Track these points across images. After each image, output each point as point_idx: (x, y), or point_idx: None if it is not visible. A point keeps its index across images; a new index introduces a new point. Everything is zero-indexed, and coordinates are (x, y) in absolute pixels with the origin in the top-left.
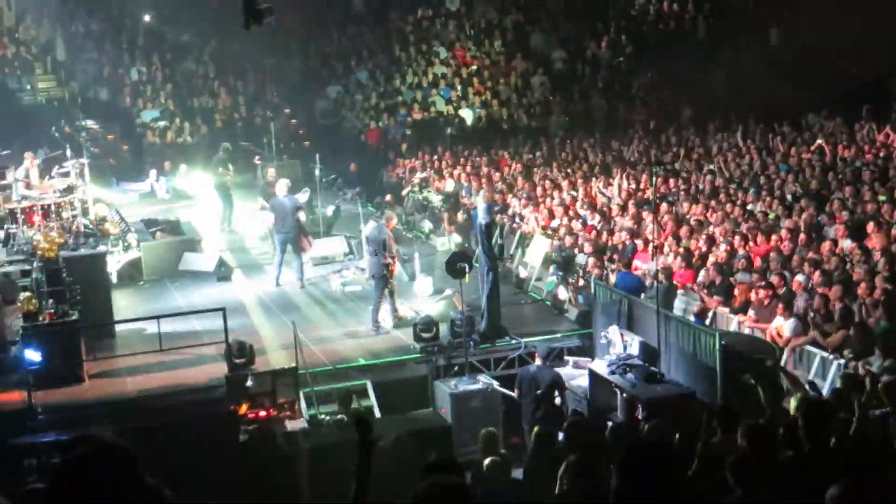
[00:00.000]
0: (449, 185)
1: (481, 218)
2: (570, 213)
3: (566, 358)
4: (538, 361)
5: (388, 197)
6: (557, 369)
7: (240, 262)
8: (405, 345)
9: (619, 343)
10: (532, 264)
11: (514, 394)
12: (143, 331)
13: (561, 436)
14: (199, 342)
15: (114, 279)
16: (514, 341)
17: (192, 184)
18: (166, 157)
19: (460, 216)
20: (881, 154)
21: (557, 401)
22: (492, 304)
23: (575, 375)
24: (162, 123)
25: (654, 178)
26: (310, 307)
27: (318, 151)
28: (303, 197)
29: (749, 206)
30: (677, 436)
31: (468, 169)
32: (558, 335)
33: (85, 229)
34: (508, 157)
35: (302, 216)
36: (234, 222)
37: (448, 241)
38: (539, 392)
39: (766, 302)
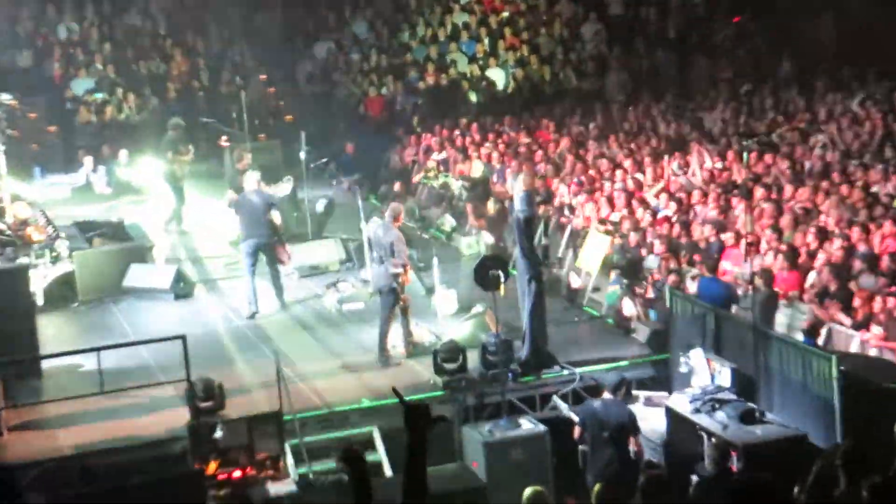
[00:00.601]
0: (476, 169)
1: (519, 211)
2: (636, 201)
3: (635, 393)
4: (606, 395)
5: (396, 186)
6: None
7: (204, 276)
8: (423, 380)
9: (704, 371)
10: (587, 270)
11: (576, 433)
12: (79, 368)
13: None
14: (153, 381)
15: (39, 301)
16: (565, 372)
17: (140, 173)
18: (106, 139)
19: (491, 208)
20: None
21: (631, 448)
22: (535, 324)
23: (647, 416)
24: (99, 96)
25: (744, 155)
26: (297, 332)
27: (303, 128)
28: (283, 189)
29: (872, 188)
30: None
31: (500, 147)
32: (623, 363)
33: (1, 237)
34: (553, 130)
35: (276, 217)
36: (187, 222)
37: (476, 242)
38: (606, 436)
39: None
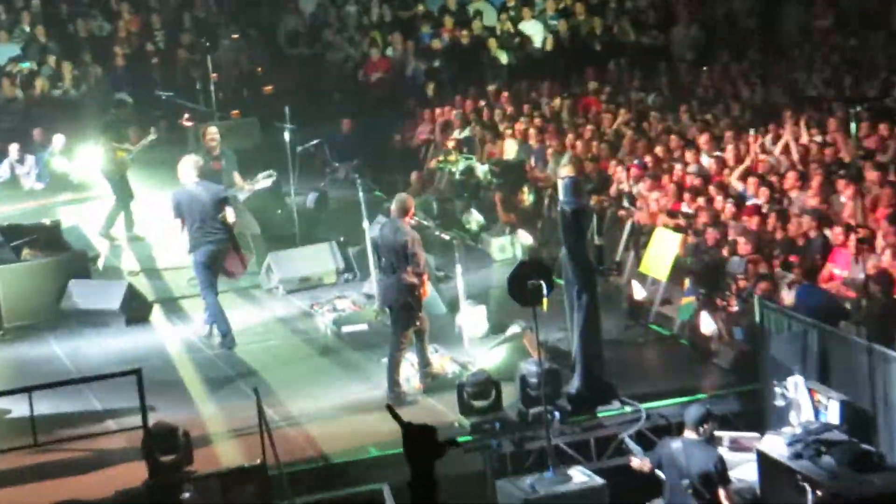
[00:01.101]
0: (508, 150)
1: (564, 202)
2: (714, 187)
3: (718, 434)
4: (687, 433)
5: (414, 175)
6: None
7: (163, 293)
8: (446, 421)
9: (805, 405)
10: (654, 276)
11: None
12: (6, 414)
13: None
14: (101, 429)
15: None
16: (628, 409)
17: (81, 163)
18: (35, 121)
19: (527, 199)
20: None
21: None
22: (588, 348)
23: (734, 462)
24: (26, 66)
25: (852, 125)
26: (283, 364)
27: (287, 101)
28: (263, 184)
29: None
30: None
31: (539, 121)
32: (701, 395)
33: None
34: (606, 98)
35: (230, 215)
36: (140, 225)
37: (510, 244)
38: (686, 485)
39: None
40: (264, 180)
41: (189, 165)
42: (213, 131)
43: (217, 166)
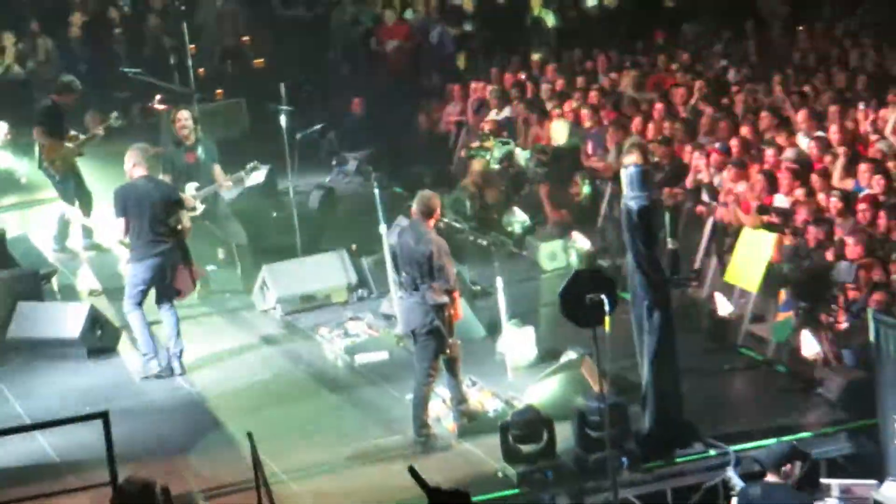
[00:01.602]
0: (558, 133)
1: (630, 198)
2: (817, 176)
3: (825, 481)
4: (769, 477)
5: (456, 163)
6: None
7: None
8: (486, 470)
9: None
10: (742, 287)
11: None
12: None
13: None
14: (60, 487)
15: None
16: (713, 452)
17: (29, 158)
18: None
19: (581, 191)
20: None
21: None
22: (662, 377)
23: None
24: None
25: None
26: (283, 402)
27: (282, 78)
28: (254, 178)
29: None
30: None
31: (594, 97)
32: (805, 434)
33: None
34: (680, 68)
35: (184, 218)
36: (99, 233)
37: (563, 250)
38: None
39: None
40: (252, 174)
41: (137, 157)
42: (184, 115)
43: (191, 158)
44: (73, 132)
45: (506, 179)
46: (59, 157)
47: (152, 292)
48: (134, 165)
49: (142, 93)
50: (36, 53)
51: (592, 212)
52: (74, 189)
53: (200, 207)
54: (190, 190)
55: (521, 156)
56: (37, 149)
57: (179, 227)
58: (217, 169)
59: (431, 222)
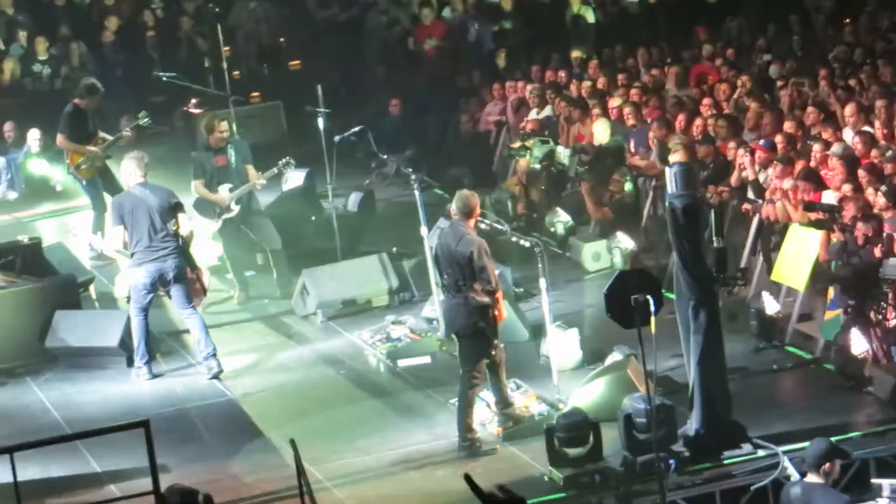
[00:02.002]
0: (600, 132)
1: (674, 196)
2: (864, 171)
3: (876, 481)
4: (810, 477)
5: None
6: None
7: (172, 324)
8: (532, 474)
9: None
10: (789, 285)
11: None
12: None
13: None
14: (102, 496)
15: None
16: (761, 453)
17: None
18: (5, 113)
19: (624, 188)
20: None
21: None
22: (709, 378)
23: None
24: None
25: None
26: (325, 407)
27: (319, 80)
28: (293, 179)
29: None
30: None
31: (637, 94)
32: (854, 434)
33: None
34: (723, 62)
35: (184, 223)
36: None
37: (607, 250)
38: None
39: None
40: (287, 169)
41: (133, 165)
42: (224, 127)
43: (221, 161)
44: (100, 135)
45: (547, 179)
46: (84, 161)
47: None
48: (130, 174)
49: (177, 96)
50: (69, 59)
51: (635, 210)
52: (105, 193)
53: (236, 208)
54: (223, 191)
55: (563, 154)
56: (64, 157)
57: (177, 229)
58: (250, 169)
59: (472, 222)
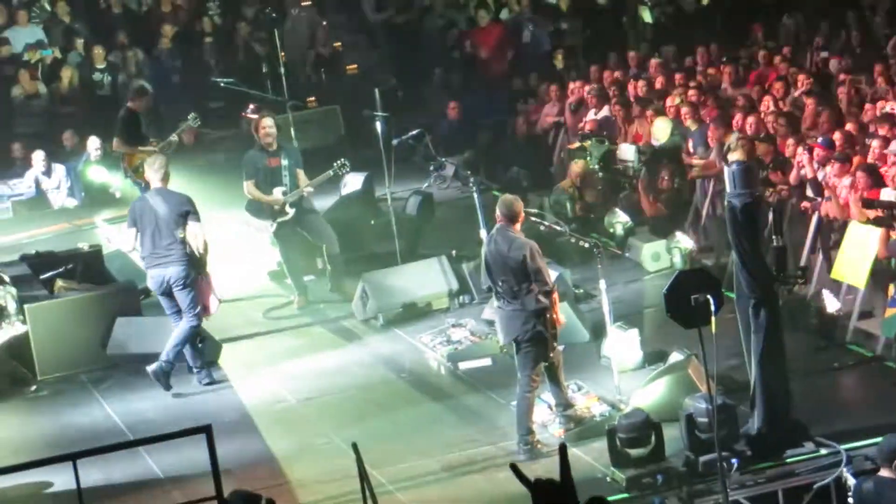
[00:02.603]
0: (660, 131)
1: (732, 195)
2: None
3: None
4: (883, 472)
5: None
6: None
7: (232, 330)
8: (594, 476)
9: None
10: (849, 283)
11: None
12: (47, 487)
13: None
14: (165, 502)
15: None
16: (823, 451)
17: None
18: (64, 121)
19: (674, 186)
20: None
21: None
22: (771, 376)
23: None
24: (48, 53)
25: None
26: (386, 410)
27: (375, 83)
28: (352, 182)
29: None
30: None
31: (695, 94)
32: None
33: None
34: (782, 60)
35: (196, 232)
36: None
37: (666, 250)
38: None
39: None
40: (342, 171)
41: (152, 168)
42: (268, 123)
43: (275, 163)
44: (152, 139)
45: (605, 180)
46: (142, 164)
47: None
48: (150, 177)
49: (235, 102)
50: (126, 66)
51: (681, 204)
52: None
53: (291, 211)
54: (277, 194)
55: (628, 151)
56: (121, 161)
57: (183, 237)
58: (301, 174)
59: (518, 226)
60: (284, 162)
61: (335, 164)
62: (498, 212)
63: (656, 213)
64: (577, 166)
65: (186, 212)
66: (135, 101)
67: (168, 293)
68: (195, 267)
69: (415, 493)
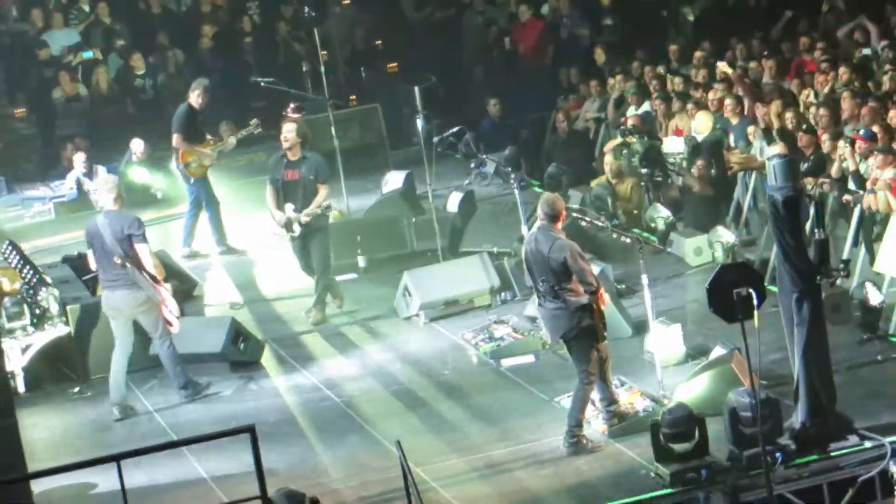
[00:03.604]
0: (702, 125)
1: (775, 189)
2: None
3: None
4: None
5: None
6: None
7: (275, 328)
8: (638, 471)
9: None
10: (892, 275)
11: None
12: (91, 489)
13: None
14: (208, 502)
15: (20, 387)
16: (868, 444)
17: (165, 173)
18: (105, 122)
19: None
20: None
21: None
22: (814, 370)
23: None
24: (89, 55)
25: None
26: (429, 408)
27: (416, 81)
28: (393, 181)
29: None
30: None
31: (737, 87)
32: None
33: None
34: (823, 53)
35: (144, 254)
36: (235, 240)
37: (708, 245)
38: None
39: None
40: (392, 174)
41: (103, 188)
42: (286, 129)
43: (292, 175)
44: (209, 137)
45: (647, 175)
46: (195, 160)
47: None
48: (101, 197)
49: (275, 102)
50: (166, 66)
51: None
52: (204, 196)
53: (297, 230)
54: (288, 210)
55: (676, 143)
56: (174, 156)
57: (121, 263)
58: (322, 189)
59: (559, 225)
60: (304, 174)
61: (322, 205)
62: (539, 211)
63: (704, 193)
64: (616, 162)
65: (130, 235)
66: (199, 97)
67: (120, 315)
68: (146, 289)
69: (458, 491)
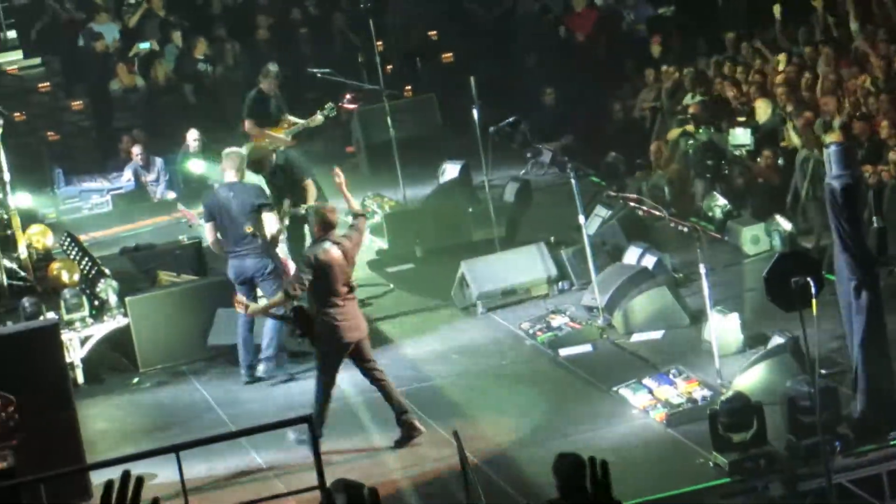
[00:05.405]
0: (761, 113)
1: (833, 177)
2: None
3: None
4: None
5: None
6: None
7: None
8: (697, 460)
9: None
10: None
11: None
12: (152, 479)
13: None
14: (267, 492)
15: (79, 378)
16: None
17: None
18: (162, 114)
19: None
20: None
21: None
22: (873, 358)
23: None
24: (145, 46)
25: None
26: (487, 398)
27: (471, 71)
28: (450, 171)
29: None
30: None
31: (793, 74)
32: None
33: (12, 281)
34: (884, 37)
35: (271, 223)
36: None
37: (766, 233)
38: None
39: None
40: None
41: (227, 162)
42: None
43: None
44: (288, 118)
45: (705, 163)
46: (268, 146)
47: None
48: (224, 171)
49: (332, 92)
50: (224, 58)
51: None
52: (284, 181)
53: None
54: (285, 203)
55: (743, 135)
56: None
57: (251, 231)
58: (309, 185)
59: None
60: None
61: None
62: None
63: (768, 181)
64: (672, 151)
65: (261, 205)
66: (269, 82)
67: (243, 283)
68: (272, 257)
69: (515, 480)
